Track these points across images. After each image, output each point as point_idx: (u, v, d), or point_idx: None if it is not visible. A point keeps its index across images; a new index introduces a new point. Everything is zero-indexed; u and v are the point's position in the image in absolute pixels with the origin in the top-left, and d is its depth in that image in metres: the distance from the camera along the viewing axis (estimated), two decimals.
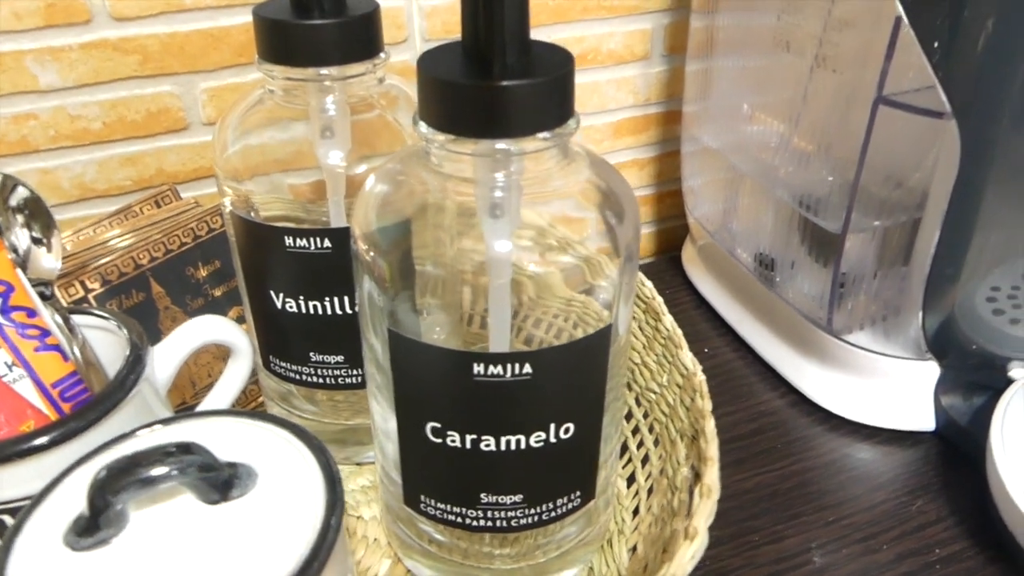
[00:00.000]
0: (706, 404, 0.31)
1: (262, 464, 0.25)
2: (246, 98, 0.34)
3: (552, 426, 0.28)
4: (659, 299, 0.37)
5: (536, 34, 0.48)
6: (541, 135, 0.25)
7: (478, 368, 0.26)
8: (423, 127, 0.25)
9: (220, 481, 0.23)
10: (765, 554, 0.37)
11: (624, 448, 0.39)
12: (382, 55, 0.34)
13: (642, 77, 0.54)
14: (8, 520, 0.27)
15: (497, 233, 0.26)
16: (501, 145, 0.25)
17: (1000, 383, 0.39)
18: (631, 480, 0.38)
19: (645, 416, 0.38)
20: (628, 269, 0.28)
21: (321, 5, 0.31)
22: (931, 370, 0.41)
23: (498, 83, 0.24)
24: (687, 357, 0.33)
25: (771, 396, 0.46)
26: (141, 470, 0.22)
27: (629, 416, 0.39)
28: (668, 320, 0.36)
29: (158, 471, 0.22)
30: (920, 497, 0.39)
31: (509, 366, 0.26)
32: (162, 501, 0.23)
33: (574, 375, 0.27)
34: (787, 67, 0.41)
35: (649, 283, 0.38)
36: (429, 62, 0.25)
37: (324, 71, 0.32)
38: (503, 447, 0.28)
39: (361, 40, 0.33)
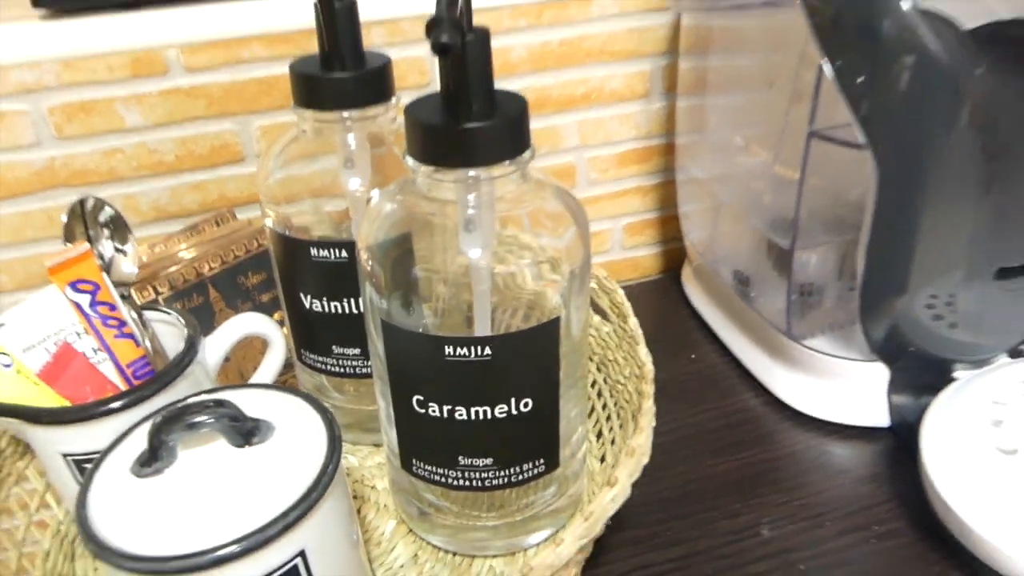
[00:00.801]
0: (648, 388, 0.36)
1: (279, 421, 0.32)
2: (283, 136, 0.42)
3: (512, 400, 0.34)
4: (627, 304, 0.43)
5: (543, 77, 0.56)
6: (502, 164, 0.32)
7: (449, 349, 0.33)
8: (410, 160, 0.33)
9: (245, 430, 0.30)
10: (722, 527, 0.42)
11: (599, 435, 0.45)
12: (394, 99, 0.41)
13: (643, 113, 0.60)
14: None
15: (473, 244, 0.33)
16: (471, 173, 0.32)
17: (944, 384, 0.44)
18: (603, 459, 0.44)
19: (616, 405, 0.44)
20: (579, 273, 0.35)
21: (343, 61, 0.39)
22: (884, 372, 0.46)
23: (466, 125, 0.31)
24: (642, 351, 0.39)
25: (747, 396, 0.51)
26: (187, 417, 0.30)
27: (604, 406, 0.45)
28: (632, 322, 0.42)
29: (199, 418, 0.30)
30: (868, 484, 0.44)
31: (472, 348, 0.32)
32: (202, 444, 0.31)
33: (528, 358, 0.33)
34: (753, 103, 0.46)
35: (621, 291, 0.44)
36: (413, 109, 0.32)
37: (346, 114, 0.40)
38: (473, 416, 0.34)
39: (377, 88, 0.41)
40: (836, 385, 0.47)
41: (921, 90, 0.36)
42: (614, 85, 0.59)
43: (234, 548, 0.27)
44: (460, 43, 0.28)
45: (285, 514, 0.28)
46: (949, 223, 0.39)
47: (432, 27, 0.27)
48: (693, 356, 0.56)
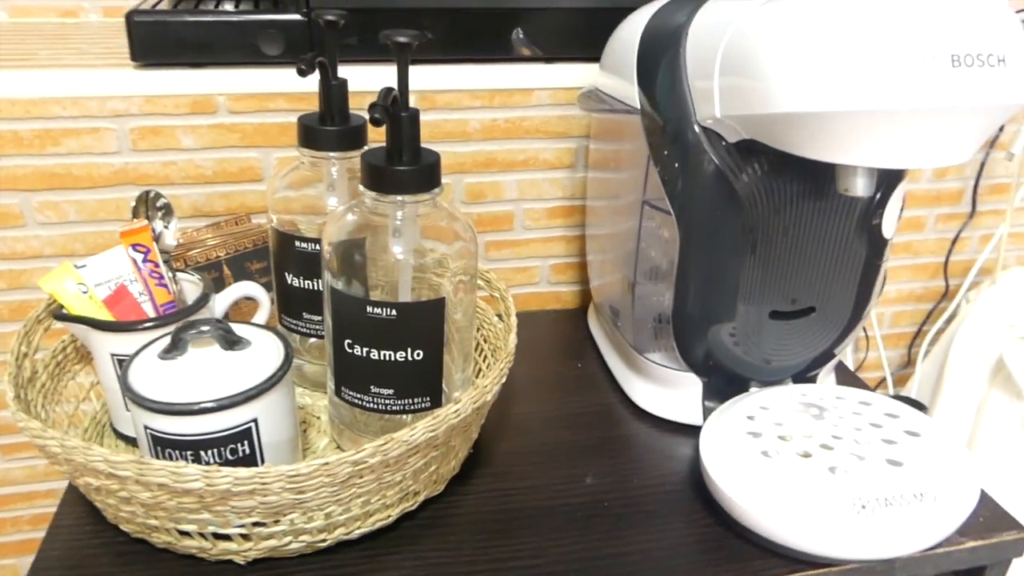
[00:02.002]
0: (511, 339, 0.54)
1: (255, 341, 0.50)
2: (288, 165, 0.61)
3: (408, 349, 0.51)
4: (501, 287, 0.61)
5: (491, 144, 0.74)
6: (420, 194, 0.50)
7: (369, 309, 0.50)
8: (362, 187, 0.51)
9: (231, 340, 0.48)
10: (559, 474, 0.59)
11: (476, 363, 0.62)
12: (365, 147, 0.60)
13: (569, 179, 0.79)
14: None
15: (399, 245, 0.52)
16: (399, 198, 0.50)
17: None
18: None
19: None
20: (466, 272, 0.53)
21: (334, 119, 0.58)
22: (700, 383, 0.63)
23: (397, 168, 0.49)
24: (511, 311, 0.57)
25: (608, 394, 0.68)
26: (198, 325, 0.48)
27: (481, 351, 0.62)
28: (512, 320, 0.59)
29: (204, 328, 0.48)
30: (672, 460, 0.60)
31: (383, 309, 0.50)
32: (204, 345, 0.48)
33: (420, 322, 0.51)
34: (620, 179, 0.65)
35: (501, 283, 0.62)
36: (367, 155, 0.51)
37: (332, 154, 0.59)
38: (383, 358, 0.52)
39: (355, 139, 0.59)
40: (667, 390, 0.64)
41: (703, 179, 0.54)
42: (547, 156, 0.77)
43: (212, 405, 0.45)
44: (387, 120, 0.47)
45: (246, 392, 0.46)
46: (730, 273, 0.57)
47: (371, 108, 0.45)
48: (580, 364, 0.73)
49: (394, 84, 0.48)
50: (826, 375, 0.67)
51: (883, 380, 0.99)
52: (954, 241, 0.93)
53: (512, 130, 0.75)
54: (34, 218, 0.70)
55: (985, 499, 0.56)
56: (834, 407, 0.57)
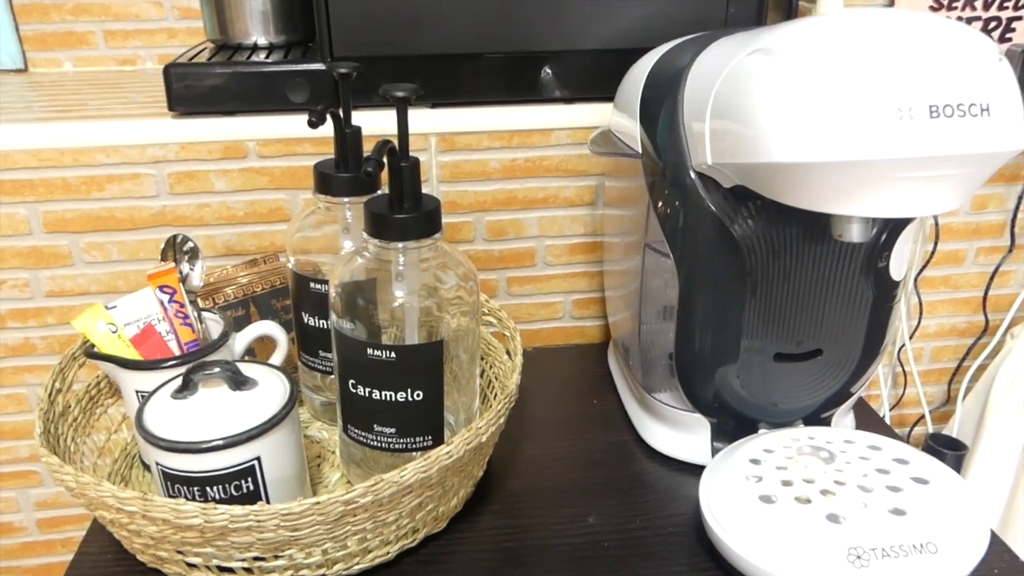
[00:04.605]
0: (515, 378, 0.55)
1: (262, 381, 0.52)
2: (306, 209, 0.64)
3: (409, 390, 0.53)
4: (511, 326, 0.62)
5: (512, 183, 0.76)
6: (420, 241, 0.52)
7: (370, 351, 0.52)
8: (365, 235, 0.53)
9: (239, 381, 0.51)
10: (562, 512, 0.59)
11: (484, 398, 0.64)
12: (379, 191, 0.62)
13: (590, 216, 0.80)
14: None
15: (401, 289, 0.54)
16: (400, 245, 0.52)
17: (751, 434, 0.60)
18: None
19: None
20: (465, 308, 0.54)
21: (347, 166, 0.61)
22: (708, 423, 0.63)
23: (397, 216, 0.52)
24: (518, 350, 0.58)
25: (621, 432, 0.68)
26: (207, 368, 0.50)
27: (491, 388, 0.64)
28: (518, 359, 0.60)
29: (213, 370, 0.50)
30: (678, 501, 0.60)
31: (384, 352, 0.52)
32: (213, 386, 0.51)
33: (420, 364, 0.53)
34: (631, 218, 0.65)
35: (511, 322, 0.63)
36: (370, 203, 0.53)
37: (347, 200, 0.61)
38: (384, 398, 0.54)
39: (368, 186, 0.62)
40: (678, 429, 0.64)
41: (700, 224, 0.54)
42: (567, 194, 0.79)
43: (215, 444, 0.48)
44: (379, 171, 0.49)
45: (248, 431, 0.48)
46: (731, 316, 0.57)
47: (365, 161, 0.48)
48: (596, 401, 0.73)
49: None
50: (843, 415, 0.66)
51: (922, 417, 0.96)
52: (994, 275, 0.90)
53: (532, 169, 0.77)
54: (81, 258, 0.74)
55: (1000, 550, 0.54)
56: (841, 451, 0.56)
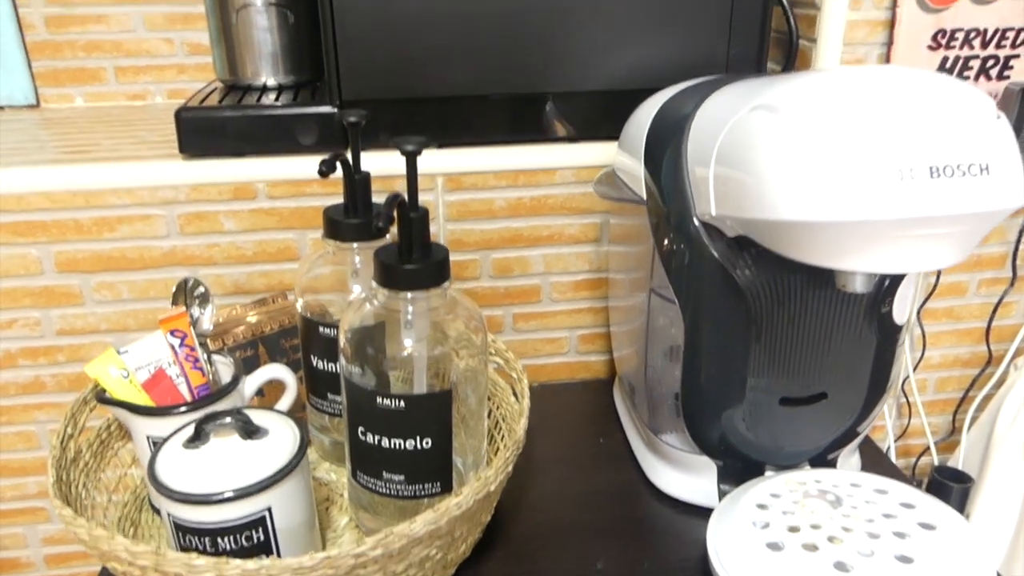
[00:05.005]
0: (522, 423, 0.56)
1: (273, 429, 0.53)
2: (316, 252, 0.64)
3: (417, 438, 0.54)
4: (518, 368, 0.62)
5: (517, 221, 0.77)
6: (428, 290, 0.53)
7: (379, 400, 0.53)
8: (374, 284, 0.54)
9: (250, 430, 0.52)
10: (570, 555, 0.60)
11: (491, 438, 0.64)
12: (387, 237, 0.63)
13: (595, 253, 0.81)
14: None
15: (410, 337, 0.54)
16: (408, 295, 0.53)
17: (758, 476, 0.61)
18: None
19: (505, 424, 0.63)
20: (474, 354, 0.55)
21: (356, 212, 0.62)
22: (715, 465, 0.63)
23: (406, 266, 0.52)
24: (525, 393, 0.58)
25: (628, 472, 0.69)
26: (219, 418, 0.51)
27: (499, 428, 0.64)
28: (525, 403, 0.61)
29: (224, 419, 0.51)
30: (687, 545, 0.60)
31: (392, 401, 0.53)
32: (225, 435, 0.52)
33: (428, 412, 0.53)
34: (637, 254, 0.66)
35: (519, 363, 0.64)
36: (379, 253, 0.54)
37: (355, 245, 0.62)
38: (393, 446, 0.54)
39: (376, 231, 0.62)
40: (684, 470, 0.65)
41: (705, 271, 0.55)
42: (572, 231, 0.79)
43: (226, 496, 0.48)
44: (390, 225, 0.50)
45: (259, 483, 0.49)
46: (737, 361, 0.57)
47: (375, 217, 0.48)
48: (602, 439, 0.74)
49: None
50: (849, 455, 0.67)
51: (927, 449, 0.96)
52: (997, 306, 0.91)
53: (537, 207, 0.78)
54: (92, 297, 0.75)
55: None
56: (848, 495, 0.57)
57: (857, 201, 0.41)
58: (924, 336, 0.92)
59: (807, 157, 0.43)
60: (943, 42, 0.75)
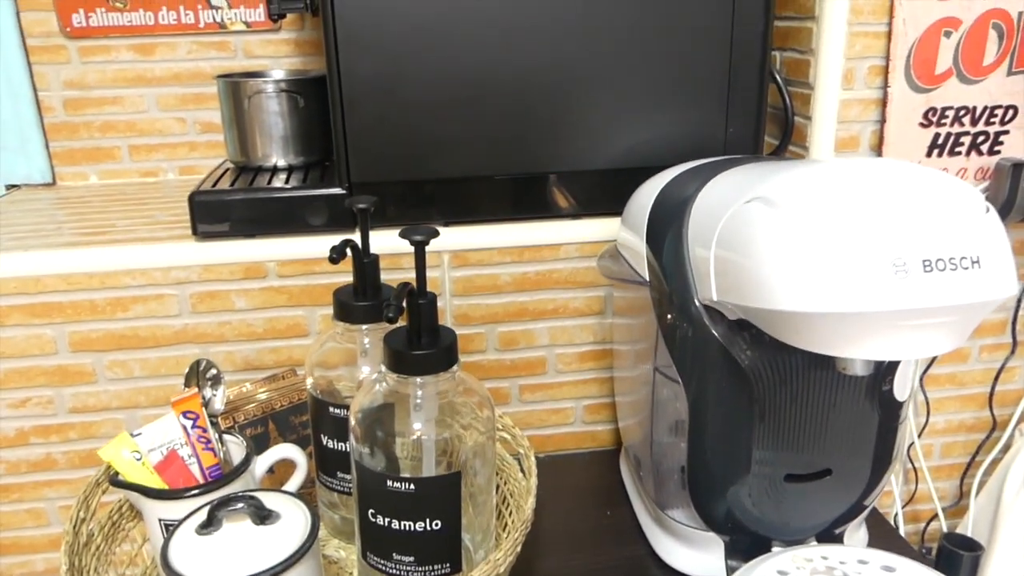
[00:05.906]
0: (530, 502, 0.56)
1: (284, 512, 0.54)
2: (326, 332, 0.66)
3: (427, 519, 0.54)
4: (525, 444, 0.63)
5: (522, 295, 0.78)
6: (437, 375, 0.54)
7: (390, 483, 0.54)
8: (383, 368, 0.55)
9: (262, 515, 0.52)
10: None
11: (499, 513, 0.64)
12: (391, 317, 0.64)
13: (599, 325, 0.82)
14: None
15: (419, 420, 0.55)
16: (417, 380, 0.54)
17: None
18: None
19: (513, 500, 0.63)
20: (482, 434, 0.56)
21: (365, 294, 0.63)
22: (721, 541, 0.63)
23: (415, 352, 0.54)
24: (532, 470, 0.59)
25: (636, 547, 0.69)
26: (231, 504, 0.52)
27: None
28: (533, 481, 0.61)
29: (237, 505, 0.52)
30: None
31: (402, 484, 0.53)
32: (237, 520, 0.52)
33: (438, 494, 0.54)
34: (641, 326, 0.67)
35: (526, 439, 0.64)
36: (388, 337, 0.55)
37: (364, 327, 0.64)
38: (403, 528, 0.55)
39: (379, 309, 0.64)
40: (691, 545, 0.65)
41: (707, 353, 0.56)
42: (576, 304, 0.81)
43: None
44: (399, 314, 0.51)
45: (274, 566, 0.49)
46: (741, 440, 0.58)
47: (385, 307, 0.50)
48: (609, 512, 0.74)
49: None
50: (855, 529, 0.67)
51: (936, 515, 0.96)
52: (999, 372, 0.91)
53: (542, 282, 0.79)
54: (104, 375, 0.76)
55: None
56: (856, 573, 0.57)
57: (854, 293, 0.43)
58: (928, 402, 0.92)
59: (805, 250, 0.44)
60: (934, 119, 0.77)
